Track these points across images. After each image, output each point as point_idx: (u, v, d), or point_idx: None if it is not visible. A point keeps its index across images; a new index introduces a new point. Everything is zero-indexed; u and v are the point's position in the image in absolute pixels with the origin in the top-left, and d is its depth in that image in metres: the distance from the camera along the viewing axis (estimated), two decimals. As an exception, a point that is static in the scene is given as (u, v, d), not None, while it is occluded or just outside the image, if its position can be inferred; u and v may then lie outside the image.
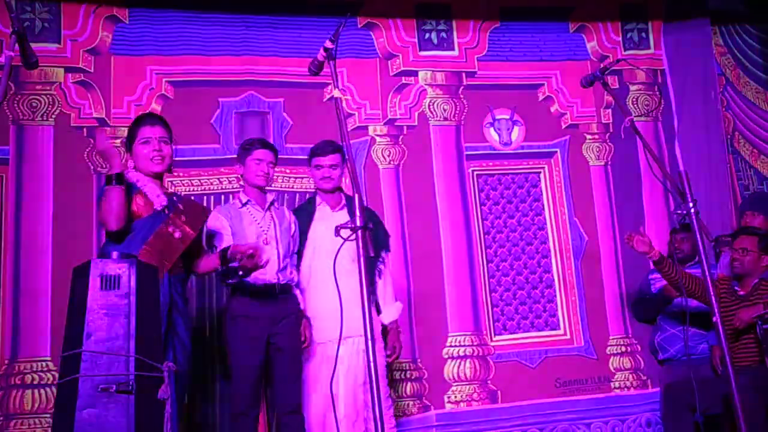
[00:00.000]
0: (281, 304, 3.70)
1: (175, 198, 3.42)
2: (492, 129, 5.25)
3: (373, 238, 3.88)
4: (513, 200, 5.18)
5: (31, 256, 4.36)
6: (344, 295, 3.56)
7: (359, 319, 3.66)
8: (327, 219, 3.82)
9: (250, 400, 3.62)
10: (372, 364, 2.43)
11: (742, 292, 4.27)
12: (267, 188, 3.89)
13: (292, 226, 3.90)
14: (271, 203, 3.86)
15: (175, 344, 3.25)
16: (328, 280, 3.57)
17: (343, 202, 3.98)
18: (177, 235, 3.23)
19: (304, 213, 3.97)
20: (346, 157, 2.73)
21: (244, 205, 3.79)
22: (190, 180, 4.64)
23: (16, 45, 2.54)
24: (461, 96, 5.24)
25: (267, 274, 3.63)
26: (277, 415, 3.74)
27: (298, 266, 3.83)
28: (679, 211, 2.95)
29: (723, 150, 5.54)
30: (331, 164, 3.90)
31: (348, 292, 3.64)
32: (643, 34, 5.67)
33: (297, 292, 3.82)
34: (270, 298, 3.66)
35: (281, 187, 4.70)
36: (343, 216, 3.83)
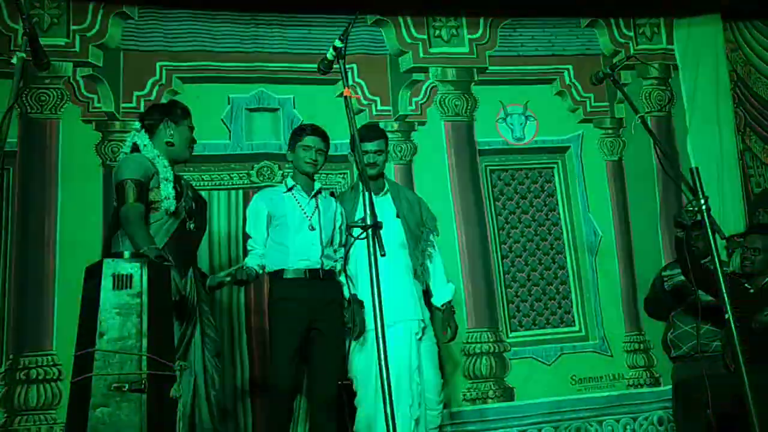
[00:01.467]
0: (325, 289, 3.67)
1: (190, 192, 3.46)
2: (504, 124, 5.23)
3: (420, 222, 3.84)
4: (527, 196, 5.16)
5: (38, 250, 4.35)
6: (392, 279, 3.57)
7: (409, 302, 3.67)
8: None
9: (288, 381, 3.56)
10: (383, 359, 2.42)
11: (752, 291, 4.25)
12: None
13: (339, 216, 3.86)
14: (318, 190, 3.82)
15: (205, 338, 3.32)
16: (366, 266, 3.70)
17: (386, 187, 3.95)
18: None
19: (349, 199, 3.94)
20: (355, 153, 2.70)
21: (289, 189, 3.77)
22: (200, 175, 4.62)
23: (28, 46, 2.53)
24: (472, 92, 5.21)
25: (310, 260, 3.63)
26: (311, 403, 3.69)
27: (346, 255, 3.76)
28: (690, 208, 2.93)
29: (734, 146, 5.51)
30: (377, 150, 3.86)
31: (395, 276, 3.65)
32: (656, 30, 5.63)
33: (344, 279, 3.77)
34: (312, 283, 3.63)
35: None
36: (386, 201, 3.81)
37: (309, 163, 3.73)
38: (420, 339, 3.72)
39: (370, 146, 3.83)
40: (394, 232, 3.74)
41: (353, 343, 3.67)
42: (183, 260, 3.29)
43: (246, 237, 3.84)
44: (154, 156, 3.32)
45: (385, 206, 3.78)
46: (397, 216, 3.84)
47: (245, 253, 4.06)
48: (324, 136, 3.79)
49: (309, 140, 3.73)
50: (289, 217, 3.69)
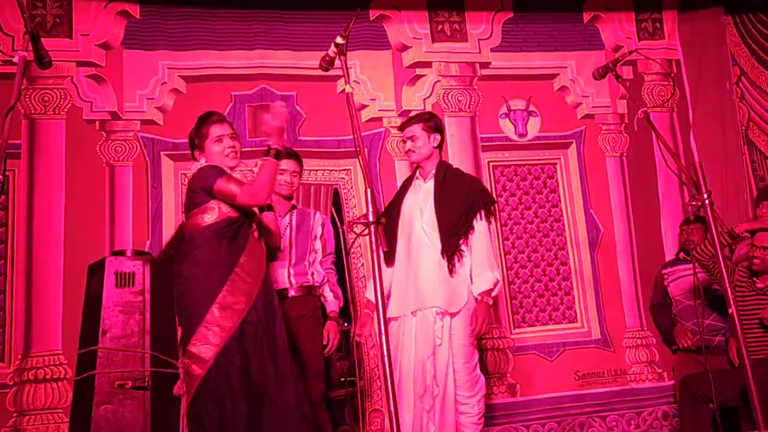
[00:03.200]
0: (296, 307, 3.71)
1: None
2: (507, 120, 5.23)
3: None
4: (529, 192, 5.14)
5: (43, 250, 4.37)
6: (417, 266, 3.56)
7: (431, 291, 3.55)
8: (415, 191, 3.78)
9: None
10: (385, 350, 2.36)
11: (760, 285, 4.24)
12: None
13: (318, 228, 3.93)
14: (292, 208, 3.90)
15: None
16: (404, 253, 3.64)
17: (432, 172, 3.78)
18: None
19: (402, 188, 3.92)
20: (360, 149, 2.67)
21: (261, 212, 3.82)
22: (204, 173, 4.63)
23: (30, 45, 2.54)
24: (475, 87, 5.21)
25: (276, 282, 3.66)
26: None
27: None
28: (693, 203, 2.92)
29: (738, 141, 5.49)
30: (410, 136, 3.76)
31: (420, 262, 3.60)
32: (658, 24, 5.61)
33: (325, 291, 3.82)
34: (283, 301, 3.63)
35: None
36: (429, 187, 3.73)
37: (284, 185, 3.82)
38: (440, 327, 3.53)
39: (403, 134, 3.81)
40: (429, 216, 3.66)
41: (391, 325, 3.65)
42: None
43: None
44: None
45: (428, 191, 3.72)
46: (434, 200, 3.69)
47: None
48: (297, 158, 3.88)
49: (284, 164, 3.78)
50: None
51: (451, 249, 3.59)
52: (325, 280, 3.91)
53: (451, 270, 3.57)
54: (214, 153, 3.30)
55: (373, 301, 3.65)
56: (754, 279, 4.26)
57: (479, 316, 3.54)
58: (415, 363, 3.49)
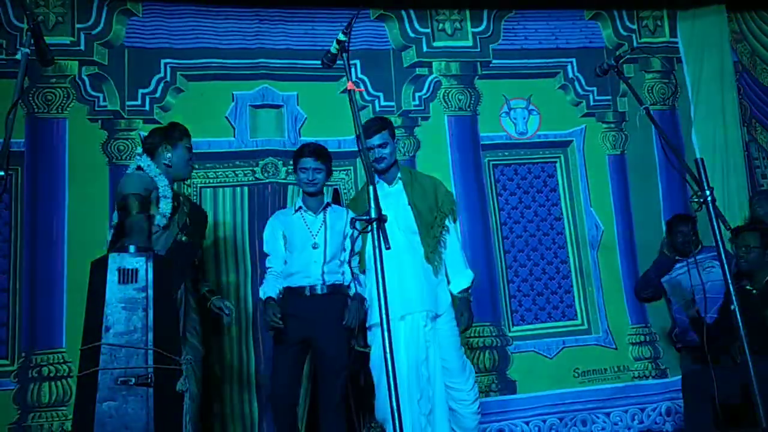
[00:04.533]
0: (325, 305, 3.75)
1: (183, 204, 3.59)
2: (508, 118, 5.23)
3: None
4: (529, 190, 5.15)
5: (47, 249, 4.39)
6: (403, 269, 3.56)
7: (416, 294, 3.56)
8: (384, 196, 3.66)
9: (286, 391, 3.70)
10: (388, 354, 2.37)
11: (755, 291, 4.22)
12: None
13: (348, 227, 3.92)
14: (325, 205, 3.91)
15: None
16: (386, 258, 3.66)
17: (398, 175, 3.85)
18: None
19: (364, 193, 3.82)
20: (362, 148, 2.68)
21: (297, 210, 3.89)
22: (205, 173, 4.64)
23: (32, 42, 2.55)
24: (476, 86, 5.22)
25: (310, 277, 3.75)
26: (321, 410, 3.79)
27: (351, 250, 3.77)
28: (695, 199, 2.92)
29: (739, 137, 5.49)
30: (380, 144, 3.77)
31: (406, 266, 3.60)
32: (659, 22, 5.61)
33: (356, 285, 3.81)
34: (313, 299, 3.73)
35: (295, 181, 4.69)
36: (397, 190, 3.78)
37: (307, 183, 3.84)
38: (429, 330, 3.61)
39: (372, 141, 3.77)
40: (405, 219, 3.72)
41: (369, 335, 3.71)
42: (178, 271, 3.41)
43: (264, 256, 3.95)
44: (155, 174, 3.53)
45: (397, 195, 3.76)
46: (409, 203, 3.76)
47: (251, 251, 4.08)
48: (319, 154, 3.86)
49: (305, 162, 3.82)
50: (296, 236, 3.82)
51: (433, 252, 3.71)
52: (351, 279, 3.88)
53: (436, 272, 3.71)
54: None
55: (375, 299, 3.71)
56: (747, 287, 4.24)
57: (466, 312, 3.75)
58: (408, 368, 3.52)
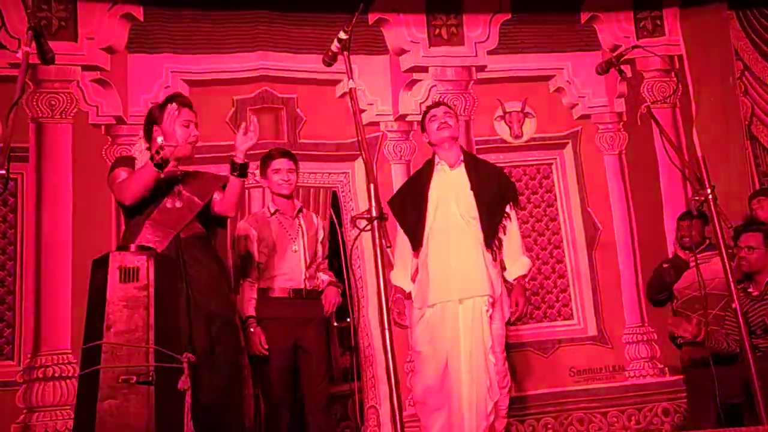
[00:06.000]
0: (308, 308, 3.84)
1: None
2: (502, 123, 5.24)
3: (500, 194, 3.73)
4: (524, 192, 5.15)
5: (51, 252, 4.46)
6: (460, 253, 3.55)
7: (476, 278, 3.52)
8: (443, 178, 3.73)
9: (282, 398, 3.77)
10: (389, 344, 2.36)
11: (755, 293, 4.21)
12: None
13: (321, 232, 4.05)
14: (299, 210, 3.98)
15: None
16: (443, 240, 3.60)
17: (461, 157, 3.78)
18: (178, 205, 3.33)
19: (424, 174, 3.85)
20: (362, 144, 2.67)
21: (272, 214, 3.93)
22: (205, 175, 4.66)
23: (33, 42, 2.57)
24: (471, 90, 5.23)
25: (293, 281, 3.82)
26: (307, 414, 3.83)
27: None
28: (696, 198, 2.93)
29: (741, 136, 5.47)
30: (446, 112, 3.78)
31: (464, 250, 3.58)
32: (658, 22, 5.60)
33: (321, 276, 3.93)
34: (296, 302, 3.81)
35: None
36: (460, 173, 3.71)
37: (282, 184, 3.88)
38: (490, 315, 3.54)
39: (438, 111, 3.78)
40: (465, 204, 3.65)
41: (416, 313, 3.66)
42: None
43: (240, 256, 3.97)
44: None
45: (459, 179, 3.71)
46: (471, 188, 3.68)
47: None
48: (291, 156, 3.95)
49: (277, 163, 3.89)
50: (277, 239, 3.87)
51: (493, 238, 3.64)
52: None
53: (495, 258, 3.65)
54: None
55: (406, 289, 3.75)
56: (748, 290, 4.24)
57: (521, 300, 3.64)
58: (466, 352, 3.45)
